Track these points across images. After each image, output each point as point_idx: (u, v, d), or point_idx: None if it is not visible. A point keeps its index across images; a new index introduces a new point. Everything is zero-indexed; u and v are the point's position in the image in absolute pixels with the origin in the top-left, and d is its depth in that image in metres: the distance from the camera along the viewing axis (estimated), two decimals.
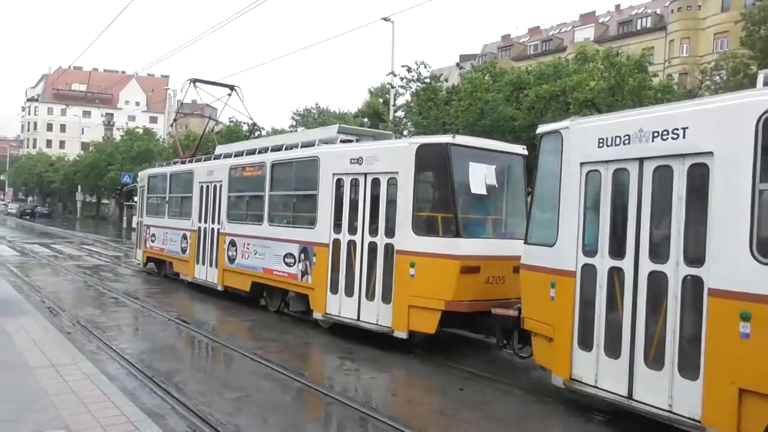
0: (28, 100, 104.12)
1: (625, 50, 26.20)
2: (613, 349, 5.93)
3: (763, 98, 4.94)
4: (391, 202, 8.79)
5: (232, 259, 12.53)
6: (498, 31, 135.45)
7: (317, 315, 9.80)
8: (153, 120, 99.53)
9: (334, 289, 9.55)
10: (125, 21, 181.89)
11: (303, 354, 9.23)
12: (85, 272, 17.70)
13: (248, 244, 11.95)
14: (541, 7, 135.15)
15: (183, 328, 10.34)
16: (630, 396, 5.74)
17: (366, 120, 47.73)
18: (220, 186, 13.31)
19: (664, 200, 5.62)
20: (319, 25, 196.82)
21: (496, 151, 9.05)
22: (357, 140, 10.65)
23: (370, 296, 8.99)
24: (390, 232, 8.81)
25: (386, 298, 8.74)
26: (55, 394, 5.57)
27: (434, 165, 8.76)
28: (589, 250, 6.25)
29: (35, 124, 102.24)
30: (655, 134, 5.63)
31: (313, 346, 9.55)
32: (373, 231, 9.06)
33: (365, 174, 9.24)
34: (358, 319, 9.14)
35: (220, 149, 14.92)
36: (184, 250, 14.79)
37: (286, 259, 10.70)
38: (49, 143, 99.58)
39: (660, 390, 5.47)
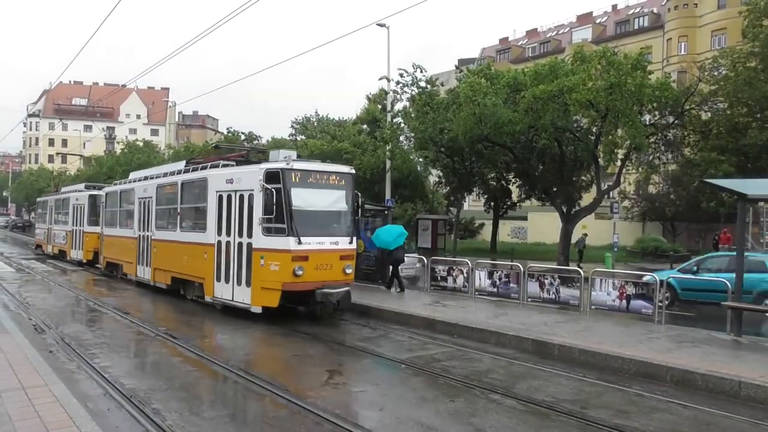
0: (30, 115, 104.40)
1: (623, 49, 25.92)
2: (227, 279, 12.46)
3: (264, 166, 11.94)
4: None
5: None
6: (496, 35, 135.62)
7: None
8: (154, 132, 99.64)
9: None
10: (127, 35, 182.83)
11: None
12: (77, 287, 17.44)
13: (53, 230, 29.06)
14: (539, 9, 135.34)
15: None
16: (232, 299, 12.29)
17: (365, 127, 47.47)
18: (52, 207, 29.40)
19: (241, 209, 12.20)
20: (318, 32, 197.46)
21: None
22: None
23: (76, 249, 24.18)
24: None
25: (80, 248, 24.10)
26: (18, 419, 5.28)
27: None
28: (219, 232, 12.78)
29: (37, 139, 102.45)
30: (237, 180, 12.46)
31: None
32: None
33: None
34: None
35: (63, 189, 30.14)
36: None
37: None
38: (50, 158, 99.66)
39: (242, 294, 12.02)
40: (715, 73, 24.65)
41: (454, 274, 14.92)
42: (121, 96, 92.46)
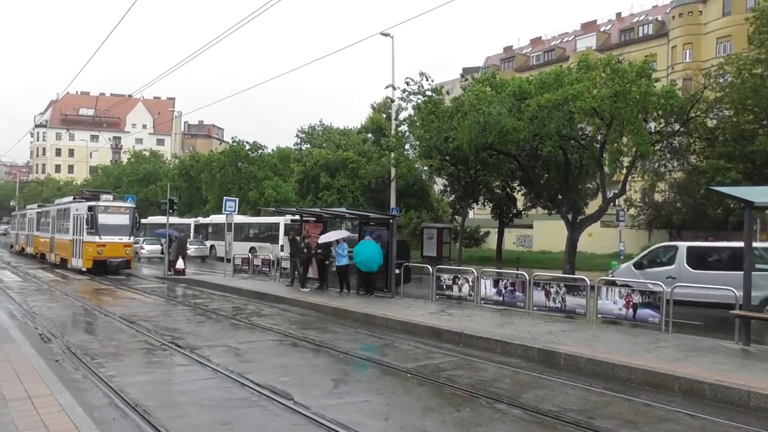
0: (37, 126, 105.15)
1: (627, 57, 25.90)
2: (75, 255, 25.87)
3: (87, 203, 25.34)
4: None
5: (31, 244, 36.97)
6: (500, 43, 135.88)
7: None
8: (160, 142, 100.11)
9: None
10: (134, 45, 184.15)
11: None
12: (84, 296, 17.49)
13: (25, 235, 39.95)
14: (543, 18, 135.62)
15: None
16: (77, 266, 25.29)
17: (369, 136, 47.59)
18: (19, 219, 43.96)
19: (81, 223, 25.14)
20: (323, 42, 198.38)
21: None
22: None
23: (30, 247, 37.53)
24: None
25: (32, 246, 36.19)
26: (25, 429, 5.29)
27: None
28: (74, 234, 25.90)
29: (44, 149, 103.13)
30: (80, 209, 25.72)
31: None
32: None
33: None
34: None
35: (27, 207, 43.18)
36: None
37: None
38: (57, 168, 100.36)
39: (80, 263, 25.01)
40: (721, 80, 24.58)
41: (459, 283, 14.87)
42: (128, 106, 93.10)
